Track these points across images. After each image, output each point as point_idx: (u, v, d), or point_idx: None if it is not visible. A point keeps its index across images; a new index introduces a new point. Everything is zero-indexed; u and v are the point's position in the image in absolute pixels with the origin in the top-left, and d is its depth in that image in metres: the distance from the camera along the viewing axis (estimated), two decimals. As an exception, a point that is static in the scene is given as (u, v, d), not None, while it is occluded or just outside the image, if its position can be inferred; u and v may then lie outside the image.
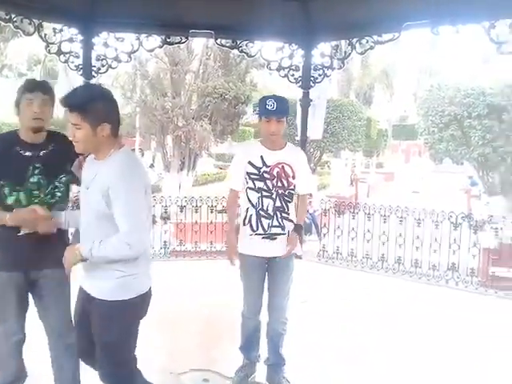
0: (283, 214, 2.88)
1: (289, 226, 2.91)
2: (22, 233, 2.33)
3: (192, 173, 16.91)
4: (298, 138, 9.57)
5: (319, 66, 6.12)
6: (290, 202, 2.90)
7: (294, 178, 2.89)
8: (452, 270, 5.57)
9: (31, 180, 2.38)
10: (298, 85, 6.22)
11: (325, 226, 7.09)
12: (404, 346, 3.71)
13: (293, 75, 6.15)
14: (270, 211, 2.87)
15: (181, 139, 15.97)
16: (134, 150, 27.63)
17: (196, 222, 7.04)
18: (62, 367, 2.53)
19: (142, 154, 27.81)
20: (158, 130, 16.37)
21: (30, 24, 5.06)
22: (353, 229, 6.45)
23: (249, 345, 3.12)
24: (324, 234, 6.98)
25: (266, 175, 2.87)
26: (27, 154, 2.40)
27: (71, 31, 5.56)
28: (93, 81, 6.09)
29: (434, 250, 5.70)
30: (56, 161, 2.45)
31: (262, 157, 2.89)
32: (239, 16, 5.63)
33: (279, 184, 2.88)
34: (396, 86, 33.94)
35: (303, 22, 5.92)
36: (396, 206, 5.96)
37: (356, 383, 3.16)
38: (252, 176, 2.90)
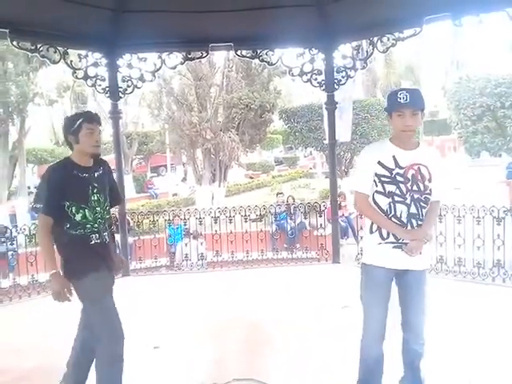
0: (419, 222, 2.55)
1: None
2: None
3: (223, 184, 17.00)
4: (326, 142, 9.50)
5: (342, 68, 6.06)
6: (425, 208, 2.57)
7: (430, 181, 2.56)
8: (498, 266, 5.33)
9: (93, 198, 2.73)
10: (322, 88, 6.18)
11: (361, 228, 6.94)
12: (455, 347, 3.56)
13: (316, 79, 6.12)
14: (404, 218, 2.55)
15: (210, 152, 16.12)
16: (165, 166, 28.17)
17: (231, 232, 7.05)
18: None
19: (174, 169, 28.29)
20: (187, 145, 16.57)
21: (55, 52, 5.24)
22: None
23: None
24: (361, 237, 6.83)
25: (399, 178, 2.55)
26: (85, 175, 2.73)
27: (95, 56, 5.73)
28: (120, 101, 6.24)
29: (477, 247, 5.46)
30: (105, 181, 2.85)
31: (394, 157, 2.57)
32: (257, 26, 5.66)
33: (414, 188, 2.55)
34: (423, 81, 33.33)
35: (321, 26, 5.89)
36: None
37: None
38: (382, 178, 2.57)
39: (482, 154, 18.36)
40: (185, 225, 7.57)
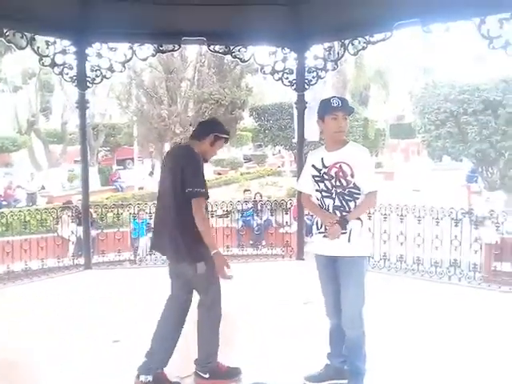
0: (343, 213, 2.86)
1: (350, 225, 2.85)
2: None
3: (191, 179, 16.92)
4: (295, 141, 9.59)
5: (313, 69, 6.15)
6: (351, 201, 2.88)
7: (352, 176, 2.86)
8: (454, 266, 5.55)
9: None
10: (293, 88, 6.25)
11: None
12: (411, 343, 3.69)
13: (287, 78, 6.18)
14: (331, 210, 2.90)
15: (179, 146, 16.01)
16: (132, 159, 27.73)
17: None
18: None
19: (142, 163, 27.89)
20: (155, 138, 16.40)
21: (22, 38, 5.09)
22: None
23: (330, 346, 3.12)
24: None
25: (325, 176, 2.93)
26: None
27: (64, 43, 5.60)
28: (88, 91, 6.13)
29: (435, 247, 5.68)
30: None
31: (322, 159, 2.95)
32: (231, 22, 5.66)
33: (338, 183, 2.89)
34: (391, 86, 33.98)
35: (295, 26, 5.95)
36: (396, 204, 5.95)
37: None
38: (315, 178, 2.98)
39: (444, 158, 18.95)
40: (150, 219, 7.51)
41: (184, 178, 2.94)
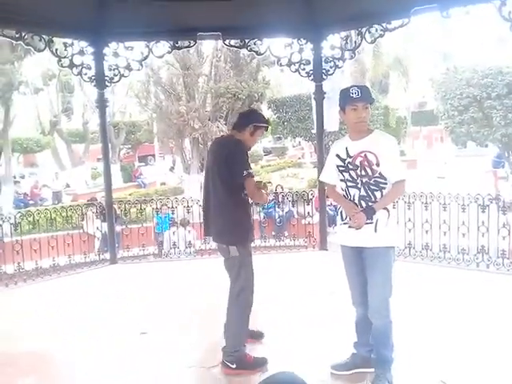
0: (369, 203, 2.81)
1: (377, 215, 2.80)
2: None
3: (212, 174, 16.99)
4: (314, 132, 9.52)
5: (330, 59, 6.07)
6: (377, 191, 2.82)
7: (378, 165, 2.80)
8: (482, 252, 5.43)
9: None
10: (310, 78, 6.19)
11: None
12: (439, 332, 3.64)
13: (304, 69, 6.13)
14: (356, 201, 2.85)
15: (198, 141, 16.06)
16: (153, 155, 27.99)
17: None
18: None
19: (163, 159, 28.13)
20: (175, 134, 16.49)
21: (40, 40, 5.17)
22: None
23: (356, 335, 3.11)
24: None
25: (350, 166, 2.88)
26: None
27: (81, 44, 5.67)
28: (107, 90, 6.19)
29: (462, 234, 5.56)
30: None
31: (346, 148, 2.91)
32: (245, 15, 5.63)
33: (363, 173, 2.83)
34: (411, 73, 33.37)
35: (310, 16, 5.88)
36: (420, 192, 5.84)
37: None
38: (340, 168, 2.93)
39: (469, 144, 18.56)
40: (172, 213, 7.58)
41: (229, 165, 3.10)
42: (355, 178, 2.86)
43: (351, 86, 2.90)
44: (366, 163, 2.82)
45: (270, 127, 3.41)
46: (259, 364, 3.21)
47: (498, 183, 15.58)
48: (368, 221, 2.79)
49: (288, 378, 1.46)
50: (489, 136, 15.10)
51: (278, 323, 3.98)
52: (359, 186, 2.86)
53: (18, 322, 4.29)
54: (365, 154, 2.82)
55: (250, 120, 3.30)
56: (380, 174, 2.81)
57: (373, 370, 2.98)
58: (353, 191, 2.88)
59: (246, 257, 3.18)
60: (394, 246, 2.94)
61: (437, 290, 4.60)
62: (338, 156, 2.95)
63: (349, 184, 2.90)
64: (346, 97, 2.87)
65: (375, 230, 2.80)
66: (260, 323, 3.74)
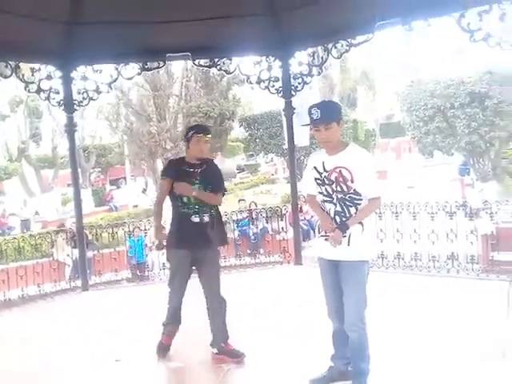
0: (343, 219, 2.81)
1: (351, 229, 2.80)
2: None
3: (186, 194, 16.92)
4: (285, 147, 9.66)
5: (298, 75, 6.21)
6: (352, 207, 2.81)
7: (352, 181, 2.78)
8: (452, 259, 5.57)
9: (195, 187, 3.56)
10: (280, 95, 6.30)
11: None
12: (414, 340, 3.70)
13: (273, 86, 6.24)
14: (332, 215, 2.86)
15: (171, 162, 16.01)
16: (125, 178, 27.68)
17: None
18: (214, 315, 3.65)
19: (135, 180, 27.85)
20: (146, 155, 16.42)
21: (6, 67, 5.12)
22: (350, 230, 6.44)
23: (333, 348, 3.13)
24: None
25: (326, 180, 2.87)
26: (191, 169, 3.63)
27: (49, 68, 5.63)
28: (76, 114, 6.15)
29: (432, 242, 5.70)
30: (208, 176, 3.63)
31: (323, 162, 2.89)
32: (214, 35, 5.72)
33: (338, 189, 2.82)
34: (378, 86, 34.22)
35: (277, 34, 6.01)
36: (390, 202, 5.98)
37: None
38: (317, 181, 2.93)
39: (435, 153, 19.05)
40: (145, 235, 7.50)
41: None
42: (331, 193, 2.86)
43: (313, 105, 2.84)
44: (340, 179, 2.81)
45: (204, 134, 3.64)
46: (237, 355, 3.57)
47: (464, 190, 16.02)
48: (344, 235, 2.81)
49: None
50: (454, 145, 15.58)
51: (255, 337, 3.98)
52: (334, 201, 2.86)
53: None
54: (340, 170, 2.81)
55: (188, 132, 3.70)
56: (354, 190, 2.80)
57: (349, 382, 3.00)
58: (328, 206, 2.89)
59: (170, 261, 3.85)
60: (367, 259, 2.94)
61: (410, 299, 4.67)
62: (315, 168, 2.93)
63: (325, 198, 2.90)
64: (309, 117, 2.84)
65: (348, 244, 2.82)
66: (238, 338, 3.73)
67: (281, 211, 7.09)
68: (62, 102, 5.78)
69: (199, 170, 3.64)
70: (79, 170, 6.55)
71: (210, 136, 3.71)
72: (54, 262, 6.77)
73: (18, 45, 5.11)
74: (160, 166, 16.99)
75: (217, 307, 3.65)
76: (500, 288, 4.81)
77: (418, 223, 5.75)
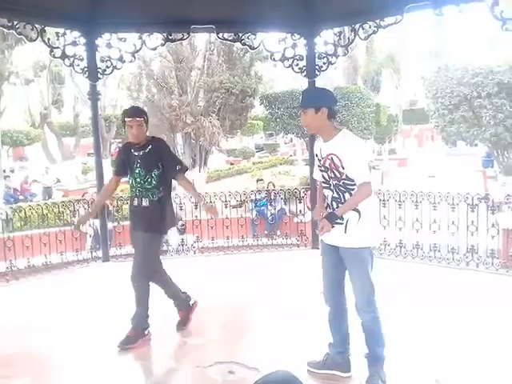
0: (339, 205, 2.87)
1: (347, 216, 2.83)
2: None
3: (204, 169, 16.89)
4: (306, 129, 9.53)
5: (323, 55, 6.05)
6: (345, 192, 2.85)
7: (343, 168, 2.82)
8: (471, 252, 5.47)
9: (136, 171, 3.60)
10: (303, 74, 6.16)
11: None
12: (429, 331, 3.66)
13: (297, 65, 6.10)
14: (329, 201, 2.95)
15: (190, 136, 15.95)
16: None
17: (211, 218, 7.04)
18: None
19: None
20: (167, 129, 16.34)
21: (32, 30, 5.08)
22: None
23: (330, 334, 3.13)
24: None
25: (322, 167, 2.96)
26: (135, 153, 3.62)
27: (74, 34, 5.58)
28: (99, 82, 6.12)
29: (451, 233, 5.60)
30: (150, 160, 3.57)
31: (320, 149, 2.97)
32: (240, 9, 5.59)
33: (332, 175, 2.89)
34: (403, 71, 33.49)
35: (304, 11, 5.86)
36: (411, 191, 5.86)
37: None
38: (319, 168, 3.00)
39: (458, 143, 18.69)
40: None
41: None
42: (327, 179, 2.93)
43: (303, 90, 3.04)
44: (333, 166, 2.87)
45: (134, 116, 3.58)
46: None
47: (487, 183, 15.72)
48: (339, 221, 2.84)
49: (283, 376, 1.46)
50: (478, 135, 15.19)
51: (267, 320, 3.99)
52: (331, 187, 2.92)
53: (9, 321, 4.24)
54: (331, 157, 2.86)
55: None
56: (347, 176, 2.83)
57: (346, 374, 3.03)
58: (327, 192, 2.96)
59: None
60: (367, 246, 2.89)
61: (427, 289, 4.63)
62: (316, 156, 3.02)
63: (324, 185, 2.99)
64: None
65: (345, 231, 2.86)
66: (247, 320, 3.73)
67: (299, 193, 7.02)
68: (85, 70, 5.75)
69: (141, 153, 3.60)
70: (101, 140, 6.52)
71: (140, 118, 3.58)
72: (75, 232, 6.84)
73: (45, 8, 5.08)
74: (180, 139, 16.97)
75: (136, 288, 3.63)
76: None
77: (439, 214, 5.64)
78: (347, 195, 2.86)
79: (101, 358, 3.49)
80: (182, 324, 3.88)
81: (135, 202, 3.65)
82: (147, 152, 3.59)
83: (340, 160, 2.82)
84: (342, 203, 2.86)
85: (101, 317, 4.20)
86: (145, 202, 3.60)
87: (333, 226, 2.83)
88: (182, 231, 8.43)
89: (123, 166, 3.73)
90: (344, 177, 2.83)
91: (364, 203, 2.84)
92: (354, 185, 2.83)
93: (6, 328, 4.06)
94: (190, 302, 3.94)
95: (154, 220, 3.61)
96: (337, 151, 2.84)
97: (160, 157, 3.61)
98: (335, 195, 2.89)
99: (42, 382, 3.25)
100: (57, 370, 3.39)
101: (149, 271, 3.65)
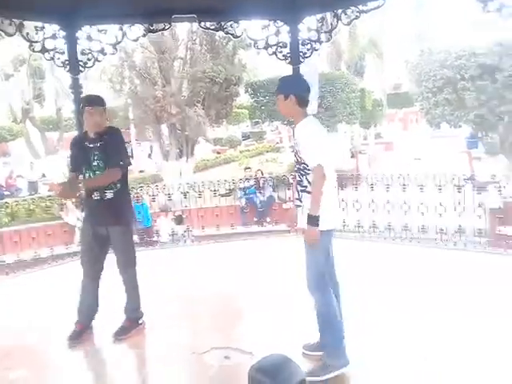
0: (300, 188, 3.01)
1: (304, 200, 2.96)
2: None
3: (191, 159, 16.85)
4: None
5: (307, 41, 6.02)
6: (303, 176, 2.97)
7: (300, 152, 2.98)
8: (459, 232, 5.56)
9: (94, 164, 3.48)
10: (287, 61, 6.12)
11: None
12: (420, 310, 3.72)
13: (281, 52, 6.06)
14: (294, 185, 3.18)
15: (176, 127, 15.89)
16: (130, 142, 27.56)
17: (201, 208, 7.06)
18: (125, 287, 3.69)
19: (139, 145, 27.73)
20: (152, 120, 16.24)
21: (10, 25, 4.97)
22: (357, 200, 6.43)
23: None
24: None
25: (294, 152, 3.15)
26: (90, 145, 3.49)
27: (53, 27, 5.47)
28: (80, 76, 6.04)
29: (439, 214, 5.67)
30: (108, 149, 3.46)
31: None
32: (222, -4, 5.54)
33: (296, 159, 3.07)
34: (386, 55, 33.49)
35: (287, -3, 5.82)
36: (398, 174, 5.92)
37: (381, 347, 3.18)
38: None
39: (443, 125, 18.82)
40: (153, 200, 7.50)
41: None
42: (295, 163, 3.14)
43: None
44: (295, 151, 3.07)
45: (94, 105, 3.48)
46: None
47: (472, 163, 15.90)
48: (297, 203, 3.02)
49: (278, 359, 1.49)
50: (462, 117, 15.34)
51: (258, 307, 4.04)
52: (297, 171, 3.10)
53: (5, 316, 4.22)
54: (295, 143, 3.08)
55: (80, 105, 3.60)
56: (304, 161, 2.96)
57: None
58: (296, 175, 3.14)
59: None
60: (322, 229, 2.90)
61: (416, 270, 4.69)
62: None
63: (294, 169, 3.25)
64: None
65: (302, 213, 2.97)
66: (240, 307, 3.76)
67: (288, 180, 7.04)
68: (66, 63, 5.65)
69: (98, 145, 3.49)
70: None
71: (101, 107, 3.50)
72: (64, 225, 6.80)
73: (22, 2, 4.96)
74: (165, 130, 16.86)
75: (125, 280, 3.68)
76: (507, 262, 4.81)
77: (426, 195, 5.71)
78: (305, 179, 2.97)
79: (96, 348, 3.51)
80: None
81: (96, 196, 3.48)
82: (104, 144, 3.48)
83: (298, 145, 3.00)
84: (303, 186, 2.98)
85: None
86: (109, 195, 3.49)
87: (298, 205, 3.01)
88: (179, 220, 8.41)
89: (77, 162, 3.58)
90: (303, 161, 2.97)
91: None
92: (309, 170, 2.93)
93: (4, 321, 4.06)
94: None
95: (123, 210, 3.60)
96: (297, 137, 3.01)
97: (111, 148, 3.51)
98: (298, 178, 3.05)
99: (40, 373, 3.25)
100: (53, 361, 3.40)
101: (134, 260, 3.69)
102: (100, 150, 3.47)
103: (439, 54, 15.64)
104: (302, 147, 2.96)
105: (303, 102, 3.02)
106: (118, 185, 3.54)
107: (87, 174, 3.51)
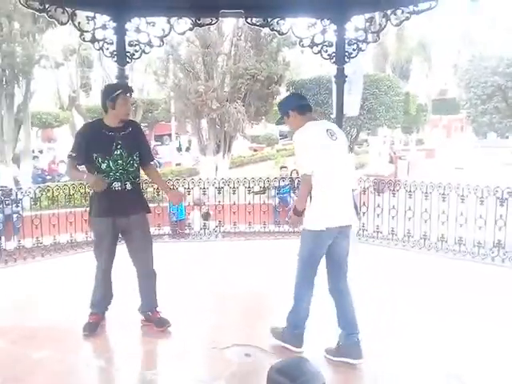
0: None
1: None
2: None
3: (228, 155, 16.92)
4: (333, 116, 9.40)
5: (353, 41, 5.92)
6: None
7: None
8: (498, 247, 5.36)
9: (116, 152, 3.42)
10: (332, 61, 6.05)
11: (364, 204, 6.96)
12: (451, 322, 3.62)
13: (326, 51, 5.99)
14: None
15: (215, 122, 15.97)
16: (170, 135, 28.00)
17: (234, 203, 7.09)
18: (141, 283, 3.72)
19: (179, 138, 28.11)
20: (192, 114, 16.39)
21: (63, 13, 5.13)
22: (393, 207, 6.29)
23: None
24: (363, 213, 6.85)
25: None
26: (112, 133, 3.43)
27: (104, 18, 5.61)
28: (127, 66, 6.16)
29: (478, 227, 5.48)
30: (132, 141, 3.48)
31: None
32: (270, -7, 5.52)
33: None
34: (434, 59, 32.63)
35: (335, -4, 5.74)
36: (438, 182, 5.75)
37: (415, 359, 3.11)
38: None
39: (489, 134, 18.19)
40: (188, 194, 7.57)
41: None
42: None
43: None
44: None
45: (131, 93, 3.59)
46: (162, 323, 3.67)
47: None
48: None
49: (299, 362, 1.47)
50: (511, 127, 14.77)
51: (286, 307, 4.00)
52: None
53: (35, 296, 4.37)
54: None
55: (105, 98, 3.47)
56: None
57: (357, 361, 3.06)
58: None
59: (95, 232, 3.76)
60: (307, 228, 3.14)
61: (451, 283, 4.56)
62: None
63: None
64: None
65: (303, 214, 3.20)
66: (268, 306, 3.75)
67: (322, 181, 6.96)
68: (114, 53, 5.78)
69: (121, 134, 3.45)
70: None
71: (131, 96, 3.60)
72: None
73: (75, -8, 5.11)
74: (205, 125, 17.01)
75: (143, 275, 3.68)
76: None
77: (466, 206, 5.53)
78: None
79: (119, 337, 3.57)
80: (90, 328, 3.62)
81: (116, 186, 3.44)
82: (128, 133, 3.48)
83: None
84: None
85: (124, 296, 4.27)
86: (129, 186, 3.48)
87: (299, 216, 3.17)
88: (206, 217, 8.49)
89: (83, 152, 3.46)
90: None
91: (314, 190, 3.08)
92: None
93: (31, 301, 4.20)
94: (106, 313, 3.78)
95: (143, 199, 3.69)
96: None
97: (140, 140, 3.59)
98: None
99: (61, 355, 3.34)
100: (78, 341, 3.49)
101: (152, 247, 3.72)
102: (124, 139, 3.44)
103: (490, 60, 15.12)
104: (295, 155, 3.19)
105: (302, 109, 3.26)
106: (137, 179, 3.59)
107: (105, 163, 3.41)
